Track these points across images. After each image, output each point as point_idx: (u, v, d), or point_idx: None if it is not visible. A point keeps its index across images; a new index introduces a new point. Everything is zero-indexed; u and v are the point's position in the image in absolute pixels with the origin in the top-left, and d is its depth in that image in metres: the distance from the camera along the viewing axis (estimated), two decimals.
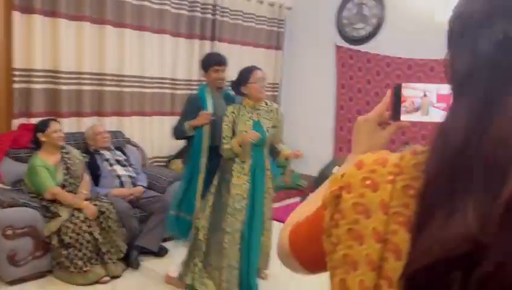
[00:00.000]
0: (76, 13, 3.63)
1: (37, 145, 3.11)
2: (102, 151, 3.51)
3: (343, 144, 5.41)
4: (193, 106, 2.89)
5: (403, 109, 0.74)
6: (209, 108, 2.86)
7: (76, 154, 3.27)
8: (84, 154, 3.39)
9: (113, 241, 3.05)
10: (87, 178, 3.29)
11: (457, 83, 0.51)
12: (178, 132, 2.95)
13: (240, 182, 2.70)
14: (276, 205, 3.99)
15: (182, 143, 3.45)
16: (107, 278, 2.97)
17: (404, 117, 0.74)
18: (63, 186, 3.07)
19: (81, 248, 2.91)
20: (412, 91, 0.74)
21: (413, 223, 0.48)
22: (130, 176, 3.51)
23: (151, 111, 4.34)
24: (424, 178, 0.48)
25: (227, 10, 4.87)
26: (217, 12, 4.75)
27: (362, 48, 5.13)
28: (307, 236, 0.67)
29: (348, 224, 0.55)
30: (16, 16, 3.30)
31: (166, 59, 4.39)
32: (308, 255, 0.68)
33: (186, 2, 4.50)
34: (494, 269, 0.39)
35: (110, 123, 3.95)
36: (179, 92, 4.50)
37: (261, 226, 2.82)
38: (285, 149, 2.81)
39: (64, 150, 3.19)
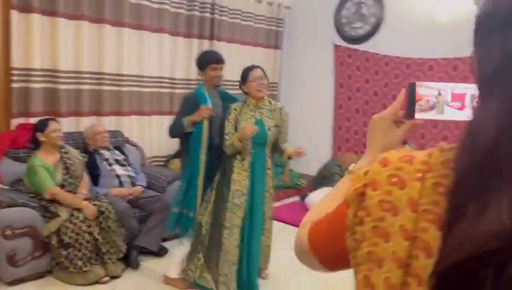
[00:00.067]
0: (75, 12, 3.62)
1: (36, 145, 3.09)
2: (101, 151, 3.50)
3: (341, 143, 5.41)
4: (190, 104, 2.86)
5: (417, 107, 0.74)
6: (209, 103, 2.84)
7: (75, 154, 3.26)
8: (83, 154, 3.38)
9: (112, 241, 3.04)
10: (86, 178, 3.28)
11: (486, 82, 0.50)
12: (176, 129, 2.90)
13: (239, 178, 2.73)
14: (276, 204, 3.99)
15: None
16: (106, 278, 2.96)
17: (419, 115, 0.75)
18: (62, 186, 3.06)
19: (81, 248, 2.90)
20: (426, 90, 0.74)
21: (443, 220, 0.48)
22: (129, 176, 3.50)
23: (150, 110, 4.33)
24: (453, 176, 0.48)
25: (226, 9, 4.86)
26: (216, 11, 4.74)
27: (361, 47, 5.13)
28: (327, 234, 0.67)
29: (374, 221, 0.55)
30: (14, 15, 3.28)
31: (164, 58, 4.38)
32: (328, 252, 0.68)
33: (185, 1, 4.49)
34: None
35: (109, 123, 3.94)
36: (177, 91, 4.49)
37: (261, 225, 2.82)
38: (289, 148, 2.81)
39: (63, 150, 3.18)
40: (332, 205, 0.68)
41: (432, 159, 0.55)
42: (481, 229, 0.42)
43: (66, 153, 3.18)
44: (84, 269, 2.89)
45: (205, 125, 2.80)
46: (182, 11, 4.48)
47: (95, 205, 3.03)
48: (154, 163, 4.35)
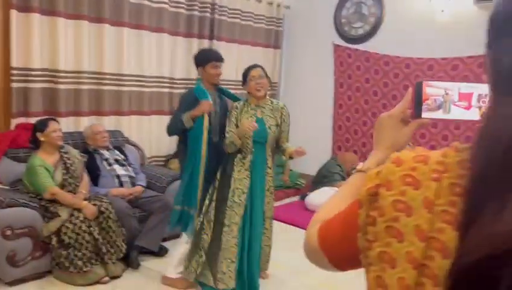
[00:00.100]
0: (75, 12, 3.61)
1: (36, 145, 3.09)
2: (101, 151, 3.49)
3: (341, 143, 5.42)
4: (190, 100, 2.84)
5: (424, 106, 0.74)
6: (209, 99, 2.82)
7: (75, 154, 3.26)
8: (82, 154, 3.38)
9: (112, 241, 3.04)
10: (86, 178, 3.27)
11: (503, 82, 0.50)
12: (175, 125, 2.86)
13: (240, 176, 2.74)
14: (275, 204, 3.99)
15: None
16: (107, 279, 2.96)
17: (425, 115, 0.75)
18: (62, 186, 3.05)
19: (81, 248, 2.89)
20: (433, 89, 0.74)
21: (460, 220, 0.47)
22: (129, 176, 3.49)
23: (149, 110, 4.33)
24: (470, 175, 0.48)
25: (226, 9, 4.86)
26: (215, 11, 4.74)
27: (360, 46, 5.13)
28: (337, 233, 0.67)
29: (387, 221, 0.55)
30: (14, 14, 3.27)
31: (164, 58, 4.37)
32: (338, 252, 0.68)
33: (185, 1, 4.49)
34: None
35: (109, 122, 3.93)
36: (177, 91, 4.48)
37: (261, 225, 2.82)
38: (290, 147, 2.82)
39: (63, 150, 3.17)
40: (341, 204, 0.68)
41: (447, 159, 0.55)
42: (499, 229, 0.42)
43: (65, 153, 3.18)
44: (85, 269, 2.88)
45: (206, 119, 2.78)
46: (182, 10, 4.47)
47: (95, 205, 3.02)
48: (153, 163, 4.34)
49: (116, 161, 3.51)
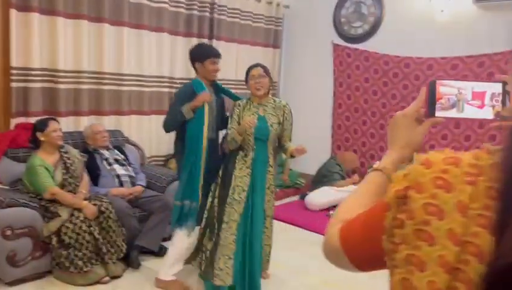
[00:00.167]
0: (74, 11, 3.61)
1: (36, 144, 3.09)
2: (101, 151, 3.49)
3: (341, 142, 5.42)
4: (187, 94, 2.80)
5: (438, 106, 0.75)
6: (207, 91, 2.80)
7: (75, 153, 3.26)
8: (82, 154, 3.37)
9: (113, 241, 3.04)
10: (86, 178, 3.27)
11: None
12: (174, 118, 2.80)
13: (241, 174, 2.74)
14: (275, 203, 3.99)
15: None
16: (107, 279, 2.95)
17: (439, 114, 0.75)
18: (62, 186, 3.05)
19: (81, 248, 2.89)
20: (446, 88, 0.74)
21: (495, 224, 0.47)
22: (129, 176, 3.49)
23: (149, 110, 4.32)
24: (503, 178, 0.48)
25: (225, 8, 4.86)
26: (215, 10, 4.74)
27: (360, 46, 5.14)
28: (360, 234, 0.67)
29: (417, 224, 0.54)
30: (13, 14, 3.27)
31: (164, 57, 4.37)
32: (361, 253, 0.68)
33: (184, 0, 4.48)
34: None
35: (109, 122, 3.93)
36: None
37: (262, 223, 2.81)
38: (291, 146, 2.82)
39: (63, 150, 3.17)
40: (361, 203, 0.68)
41: (480, 161, 0.54)
42: None
43: (65, 152, 3.17)
44: (85, 269, 2.88)
45: (206, 109, 2.76)
46: (181, 10, 4.47)
47: (95, 204, 3.02)
48: (153, 163, 4.34)
49: (116, 160, 3.51)
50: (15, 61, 3.33)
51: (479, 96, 0.73)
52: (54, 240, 2.89)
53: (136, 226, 3.26)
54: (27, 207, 2.88)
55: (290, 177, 5.09)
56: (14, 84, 3.36)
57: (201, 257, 2.82)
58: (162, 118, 4.26)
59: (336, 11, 5.30)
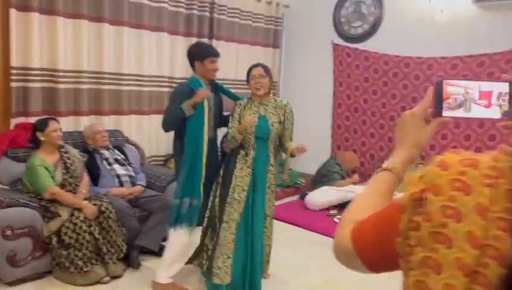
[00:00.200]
0: (74, 11, 3.60)
1: (36, 144, 3.08)
2: (101, 151, 3.49)
3: (340, 142, 5.42)
4: (185, 92, 2.78)
5: (445, 105, 0.75)
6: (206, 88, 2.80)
7: (75, 153, 3.25)
8: (82, 154, 3.37)
9: (113, 241, 3.04)
10: (86, 178, 3.27)
11: None
12: (174, 115, 2.78)
13: (242, 173, 2.74)
14: (275, 203, 3.99)
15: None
16: (107, 279, 2.95)
17: (446, 113, 0.75)
18: (62, 186, 3.05)
19: (81, 248, 2.89)
20: (453, 88, 0.75)
21: None
22: (129, 175, 3.49)
23: (149, 110, 4.32)
24: None
25: (225, 8, 4.86)
26: (215, 10, 4.74)
27: (360, 46, 5.14)
28: (373, 236, 0.66)
29: (434, 227, 0.54)
30: (13, 13, 3.26)
31: (164, 57, 4.37)
32: (373, 254, 0.67)
33: (184, 0, 4.48)
34: None
35: (109, 122, 3.93)
36: None
37: (262, 223, 2.81)
38: (291, 145, 2.83)
39: (63, 150, 3.16)
40: (371, 203, 0.68)
41: (499, 163, 0.53)
42: None
43: (65, 152, 3.17)
44: (85, 269, 2.88)
45: (206, 105, 2.75)
46: (181, 9, 4.47)
47: (95, 204, 3.02)
48: (153, 162, 4.34)
49: (116, 160, 3.51)
50: (15, 61, 3.32)
51: (486, 95, 0.74)
52: (54, 240, 2.88)
53: (136, 226, 3.26)
54: (27, 207, 2.88)
55: (290, 177, 5.09)
56: (14, 84, 3.36)
57: (204, 257, 2.83)
58: (161, 118, 4.31)
59: (335, 11, 5.30)
